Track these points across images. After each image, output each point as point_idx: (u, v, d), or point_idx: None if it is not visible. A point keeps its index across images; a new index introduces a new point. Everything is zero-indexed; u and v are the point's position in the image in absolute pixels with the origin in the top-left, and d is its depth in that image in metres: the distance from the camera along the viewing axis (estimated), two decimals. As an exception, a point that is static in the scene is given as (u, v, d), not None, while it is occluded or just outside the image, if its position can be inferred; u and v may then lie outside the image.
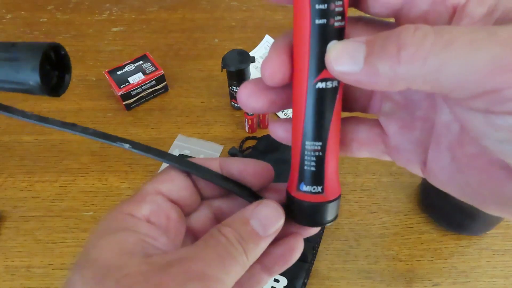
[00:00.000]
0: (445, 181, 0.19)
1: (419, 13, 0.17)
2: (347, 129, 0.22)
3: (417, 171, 0.21)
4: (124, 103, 0.70)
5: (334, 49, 0.17)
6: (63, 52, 0.21)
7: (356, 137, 0.22)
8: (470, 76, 0.14)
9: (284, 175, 0.23)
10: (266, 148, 0.63)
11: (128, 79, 0.70)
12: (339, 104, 0.20)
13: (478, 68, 0.14)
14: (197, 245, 0.20)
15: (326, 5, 0.17)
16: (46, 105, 0.73)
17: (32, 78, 0.19)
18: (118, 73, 0.71)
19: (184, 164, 0.23)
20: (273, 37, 0.79)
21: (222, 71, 0.66)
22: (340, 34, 0.18)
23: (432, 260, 0.55)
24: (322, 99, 0.19)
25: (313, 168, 0.21)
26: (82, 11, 0.89)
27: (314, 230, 0.23)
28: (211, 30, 0.84)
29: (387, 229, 0.58)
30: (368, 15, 0.19)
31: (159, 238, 0.21)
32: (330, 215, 0.22)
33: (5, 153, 0.67)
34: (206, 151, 0.66)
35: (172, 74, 0.76)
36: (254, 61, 0.65)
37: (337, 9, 0.18)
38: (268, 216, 0.21)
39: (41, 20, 0.87)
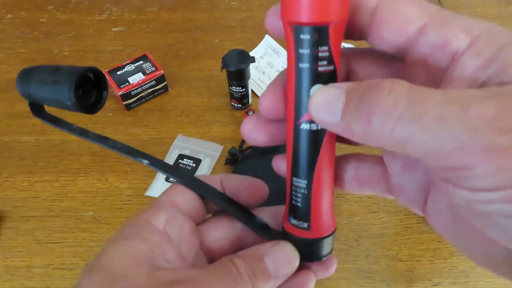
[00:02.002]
0: (441, 226, 0.20)
1: (420, 55, 0.17)
2: (348, 167, 0.22)
3: (418, 212, 0.21)
4: (124, 103, 0.70)
5: (316, 96, 0.17)
6: (99, 74, 0.24)
7: (357, 175, 0.22)
8: (434, 152, 0.14)
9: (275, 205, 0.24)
10: (265, 148, 0.63)
11: (128, 79, 0.70)
12: (329, 145, 0.20)
13: (441, 146, 0.14)
14: (206, 270, 0.20)
15: (308, 50, 0.17)
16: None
17: (69, 99, 0.22)
18: (118, 73, 0.71)
19: (194, 184, 0.24)
20: (273, 37, 0.79)
21: (222, 71, 0.66)
22: (326, 78, 0.18)
23: (432, 260, 0.55)
24: (306, 140, 0.19)
25: (299, 204, 0.21)
26: (82, 11, 0.89)
27: (327, 271, 0.23)
28: (211, 30, 0.84)
29: (387, 229, 0.58)
30: None
31: (168, 251, 0.21)
32: (317, 252, 0.22)
33: (5, 153, 0.67)
34: (206, 151, 0.66)
35: (172, 74, 0.76)
36: (254, 61, 0.65)
37: (321, 54, 0.17)
38: (283, 258, 0.21)
39: (41, 20, 0.87)
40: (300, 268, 0.22)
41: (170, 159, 0.65)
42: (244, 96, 0.69)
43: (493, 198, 0.14)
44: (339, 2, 0.17)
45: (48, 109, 0.26)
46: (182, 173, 0.24)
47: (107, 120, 0.70)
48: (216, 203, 0.24)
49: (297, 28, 0.17)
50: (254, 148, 0.64)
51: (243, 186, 0.24)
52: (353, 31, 0.18)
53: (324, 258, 0.22)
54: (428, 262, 0.55)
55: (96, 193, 0.62)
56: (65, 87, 0.22)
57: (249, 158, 0.63)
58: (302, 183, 0.20)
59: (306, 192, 0.20)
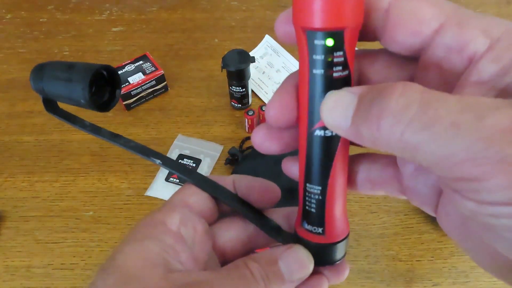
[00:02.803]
0: (450, 229, 0.19)
1: (435, 58, 0.17)
2: (360, 168, 0.22)
3: (431, 213, 0.21)
4: (124, 103, 0.70)
5: (328, 101, 0.17)
6: (112, 71, 0.24)
7: (369, 177, 0.22)
8: (444, 161, 0.14)
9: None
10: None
11: (128, 79, 0.70)
12: (344, 151, 0.19)
13: (452, 154, 0.14)
14: (220, 273, 0.20)
15: (322, 56, 0.17)
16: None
17: (83, 97, 0.22)
18: (118, 73, 0.71)
19: (206, 185, 0.24)
20: (273, 37, 0.79)
21: (222, 71, 0.66)
22: (340, 84, 0.17)
23: (432, 260, 0.55)
24: (321, 146, 0.19)
25: (313, 210, 0.20)
26: (82, 11, 0.89)
27: (340, 277, 0.23)
28: (211, 30, 0.84)
29: (387, 229, 0.58)
30: None
31: (182, 253, 0.21)
32: (331, 257, 0.22)
33: (5, 153, 0.67)
34: (206, 151, 0.66)
35: (172, 74, 0.76)
36: (254, 61, 0.65)
37: (336, 59, 0.17)
38: (297, 262, 0.21)
39: (41, 20, 0.87)
40: (313, 272, 0.22)
41: (170, 159, 0.65)
42: (244, 96, 0.69)
43: (501, 213, 0.14)
44: (355, 6, 0.16)
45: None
46: (195, 174, 0.24)
47: (107, 120, 0.70)
48: (229, 204, 0.24)
49: (310, 34, 0.17)
50: (254, 148, 0.64)
51: (255, 187, 0.24)
52: (366, 32, 0.18)
53: (337, 262, 0.22)
54: (428, 262, 0.55)
55: (96, 193, 0.62)
56: (79, 85, 0.21)
57: (249, 158, 0.63)
58: (316, 189, 0.20)
59: (320, 198, 0.20)
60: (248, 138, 0.67)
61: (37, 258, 0.57)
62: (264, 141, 0.21)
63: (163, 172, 0.64)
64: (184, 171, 0.24)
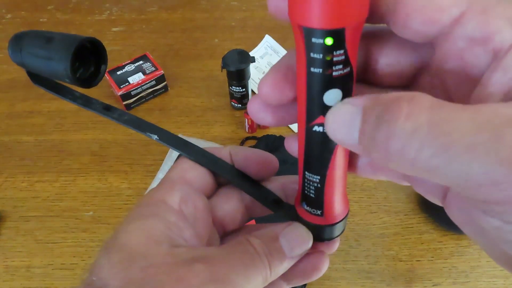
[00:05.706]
0: (461, 221, 0.18)
1: (454, 49, 0.15)
2: None
3: (437, 202, 0.20)
4: (124, 103, 0.70)
5: (332, 115, 0.16)
6: (94, 42, 0.22)
7: (371, 162, 0.21)
8: (463, 184, 0.13)
9: (285, 175, 0.23)
10: (266, 148, 0.63)
11: (128, 79, 0.70)
12: None
13: (471, 179, 0.12)
14: (224, 249, 0.20)
15: (321, 55, 0.15)
16: (46, 105, 0.73)
17: (66, 76, 0.20)
18: (118, 73, 0.71)
19: (204, 160, 0.23)
20: (273, 37, 0.79)
21: (222, 71, 0.66)
22: (341, 82, 0.16)
23: (432, 260, 0.55)
24: (320, 141, 0.18)
25: (312, 195, 0.20)
26: (82, 11, 0.89)
27: (331, 248, 0.23)
28: (211, 30, 0.84)
29: (387, 229, 0.58)
30: None
31: (185, 230, 0.21)
32: (330, 235, 0.22)
33: (5, 153, 0.67)
34: (206, 151, 0.66)
35: (172, 74, 0.76)
36: (254, 61, 0.65)
37: (336, 58, 0.15)
38: (297, 239, 0.21)
39: (41, 20, 0.87)
40: (313, 247, 0.22)
41: (170, 159, 0.65)
42: (244, 96, 0.69)
43: None
44: (359, 2, 0.14)
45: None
46: (192, 148, 0.23)
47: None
48: (227, 178, 0.24)
49: (308, 31, 0.15)
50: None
51: (253, 159, 0.24)
52: (371, 14, 0.16)
53: (335, 238, 0.22)
54: (428, 262, 0.55)
55: (96, 193, 0.62)
56: (61, 64, 0.20)
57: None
58: (315, 178, 0.20)
59: (319, 186, 0.20)
60: (248, 138, 0.67)
61: (37, 258, 0.56)
62: (258, 112, 0.20)
63: (163, 172, 0.64)
64: (181, 146, 0.23)
